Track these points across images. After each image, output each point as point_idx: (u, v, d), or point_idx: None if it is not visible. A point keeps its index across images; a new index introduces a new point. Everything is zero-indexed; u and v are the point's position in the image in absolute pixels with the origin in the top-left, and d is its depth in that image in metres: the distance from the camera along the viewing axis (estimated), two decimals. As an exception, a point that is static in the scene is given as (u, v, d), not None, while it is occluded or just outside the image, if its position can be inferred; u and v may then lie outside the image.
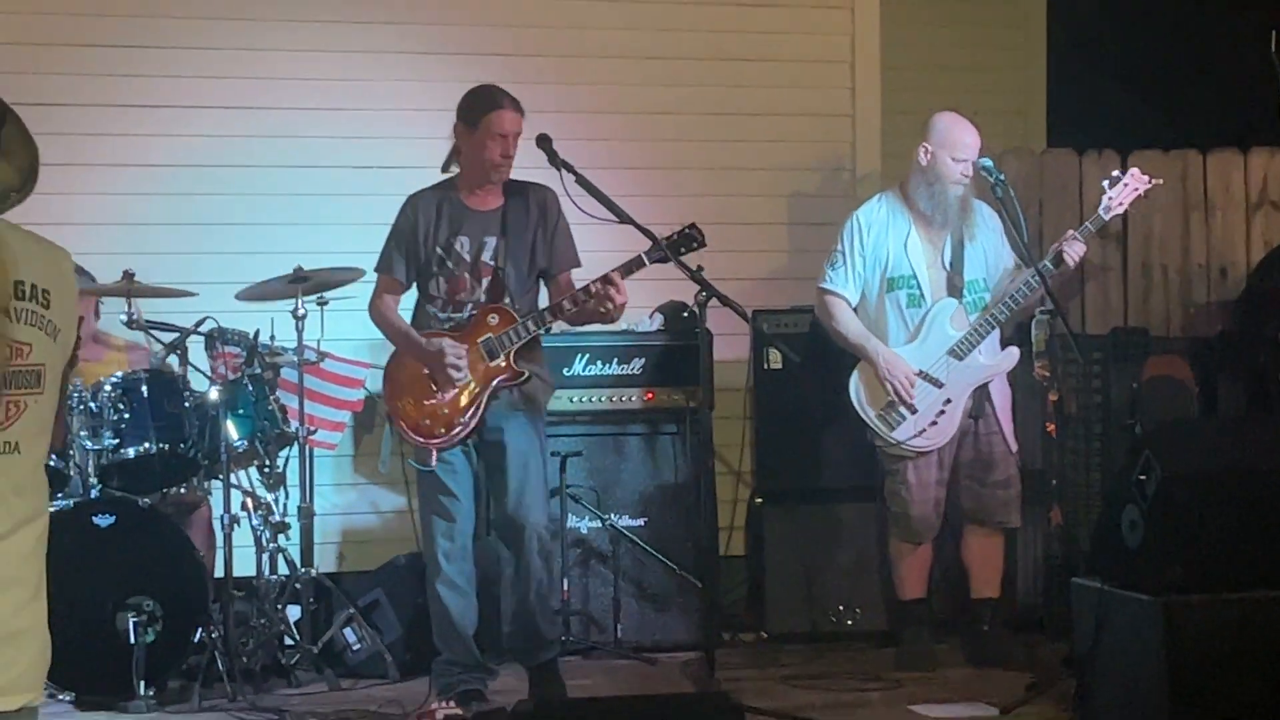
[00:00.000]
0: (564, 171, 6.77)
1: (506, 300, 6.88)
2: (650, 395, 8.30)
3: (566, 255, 6.99)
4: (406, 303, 7.12)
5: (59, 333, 3.41)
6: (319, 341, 7.92)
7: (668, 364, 8.29)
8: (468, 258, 6.91)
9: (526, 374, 6.85)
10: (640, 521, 8.23)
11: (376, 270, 7.06)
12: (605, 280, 6.69)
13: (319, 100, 8.58)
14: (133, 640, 6.94)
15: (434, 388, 6.83)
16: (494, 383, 6.83)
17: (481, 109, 6.88)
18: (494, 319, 6.85)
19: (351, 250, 8.04)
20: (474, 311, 6.88)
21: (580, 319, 6.95)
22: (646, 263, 6.74)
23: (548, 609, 7.10)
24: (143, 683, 6.93)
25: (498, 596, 7.22)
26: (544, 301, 7.05)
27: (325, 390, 8.19)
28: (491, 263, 6.90)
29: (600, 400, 8.20)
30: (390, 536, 8.60)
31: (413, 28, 8.74)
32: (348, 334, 8.20)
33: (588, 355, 8.21)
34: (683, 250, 6.77)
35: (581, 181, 6.77)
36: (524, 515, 6.87)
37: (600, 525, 8.12)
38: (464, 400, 6.82)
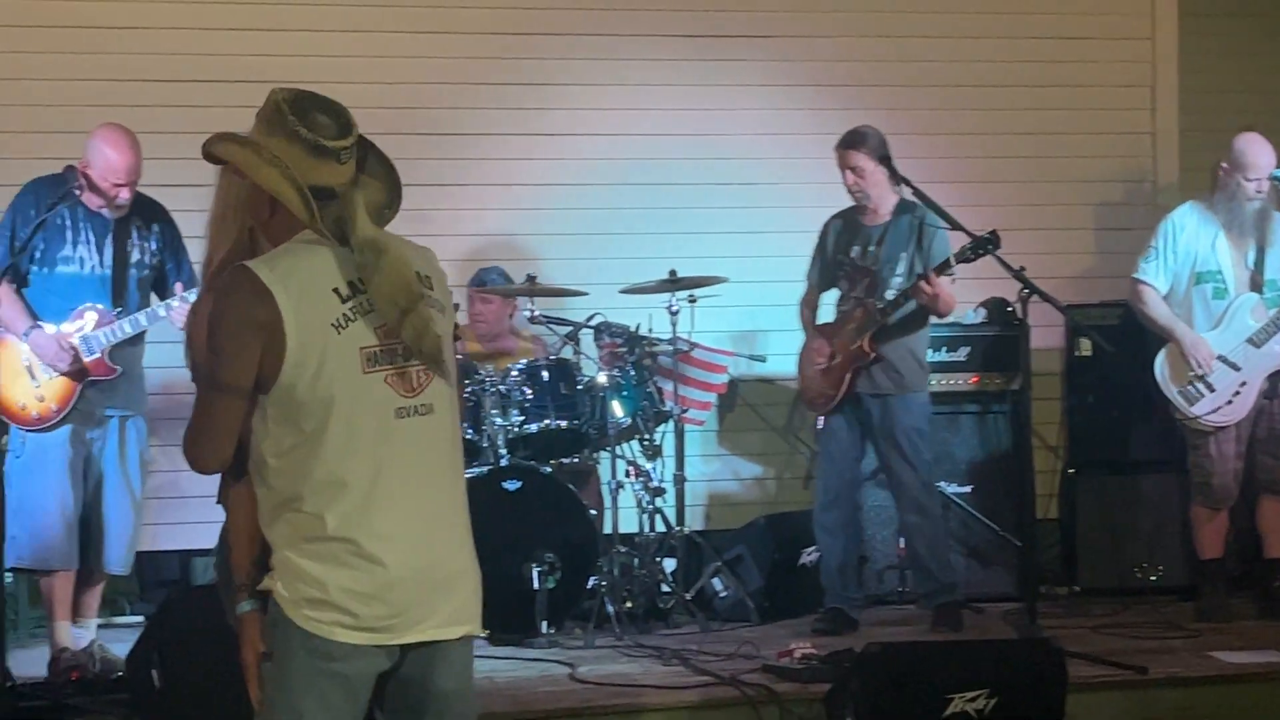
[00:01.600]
0: (903, 185, 7.05)
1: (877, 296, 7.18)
2: (975, 379, 8.22)
3: (938, 261, 7.08)
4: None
5: (445, 309, 3.49)
6: (689, 333, 7.92)
7: (992, 351, 8.22)
8: (858, 262, 7.23)
9: (874, 355, 7.11)
10: (968, 488, 8.15)
11: (806, 277, 7.49)
12: (922, 278, 6.96)
13: (689, 127, 8.61)
14: (536, 587, 7.04)
15: (819, 366, 7.28)
16: (855, 363, 7.15)
17: (837, 146, 7.19)
18: (859, 312, 7.20)
19: (717, 255, 8.17)
20: (851, 306, 7.25)
21: (932, 305, 7.08)
22: (953, 264, 6.93)
23: (937, 557, 7.25)
24: (544, 623, 7.01)
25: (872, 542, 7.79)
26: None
27: (695, 375, 8.22)
28: (870, 266, 7.18)
29: (934, 383, 8.10)
30: (750, 500, 8.64)
31: (767, 64, 8.71)
32: (714, 327, 8.24)
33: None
34: (981, 252, 6.85)
35: (918, 194, 6.99)
36: (898, 475, 7.20)
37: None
38: (834, 378, 7.20)
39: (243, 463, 3.44)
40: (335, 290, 3.35)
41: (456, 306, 5.00)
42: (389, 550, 3.33)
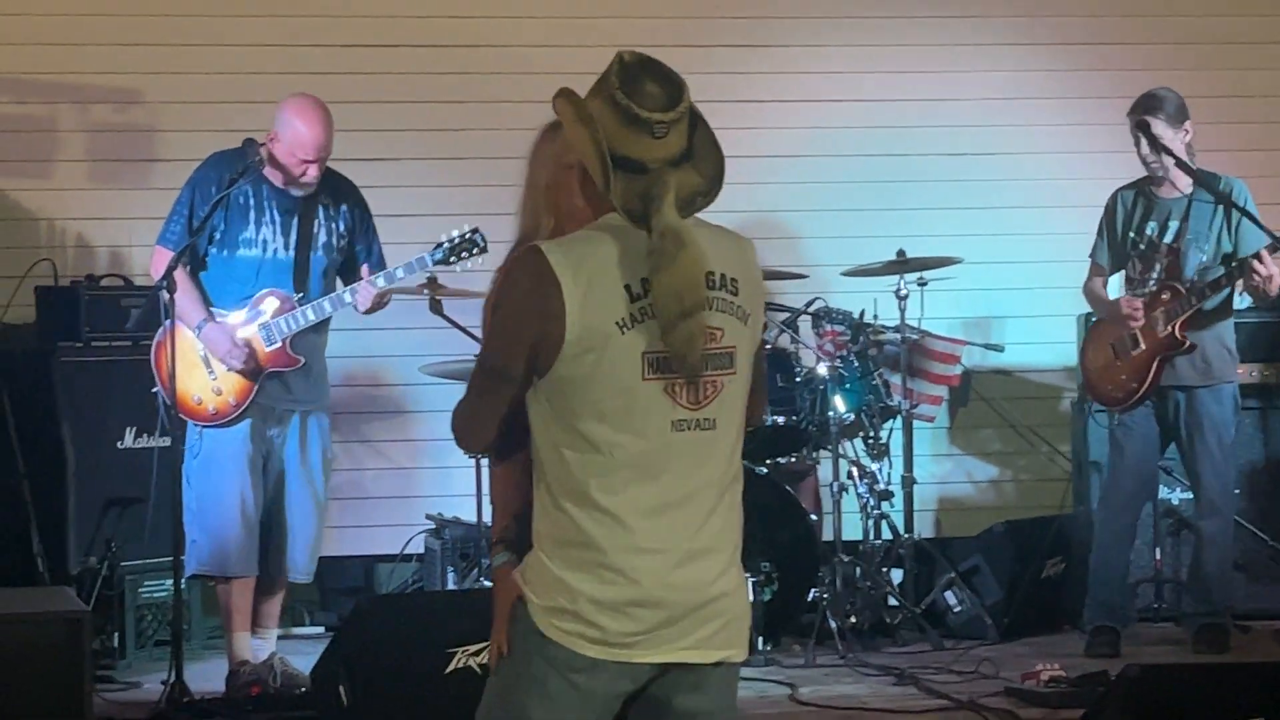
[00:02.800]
0: (1163, 155, 6.97)
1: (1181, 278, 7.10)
2: (1241, 371, 7.93)
3: (1250, 241, 7.02)
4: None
5: (748, 316, 3.42)
6: (919, 320, 7.88)
7: (1258, 342, 7.97)
8: (1154, 240, 7.10)
9: (1190, 343, 7.01)
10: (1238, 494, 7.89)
11: (1089, 257, 7.33)
12: (1255, 257, 6.84)
13: (917, 92, 8.55)
14: (751, 599, 6.99)
15: (1115, 357, 7.17)
16: (1163, 351, 7.04)
17: (1131, 112, 7.09)
18: (1166, 295, 7.07)
19: (950, 234, 8.10)
20: (1153, 288, 7.11)
21: (1256, 290, 6.99)
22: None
23: (1224, 573, 7.18)
24: (760, 639, 6.98)
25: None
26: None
27: (925, 366, 8.16)
28: (1172, 244, 7.08)
29: (1251, 375, 7.89)
30: (985, 504, 8.58)
31: (1004, 20, 8.63)
32: (946, 313, 8.17)
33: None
34: None
35: (1180, 164, 6.98)
36: (1202, 476, 7.11)
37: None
38: (1137, 367, 7.10)
39: (509, 445, 3.51)
40: (627, 287, 3.33)
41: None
42: (646, 566, 3.34)
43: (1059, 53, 8.53)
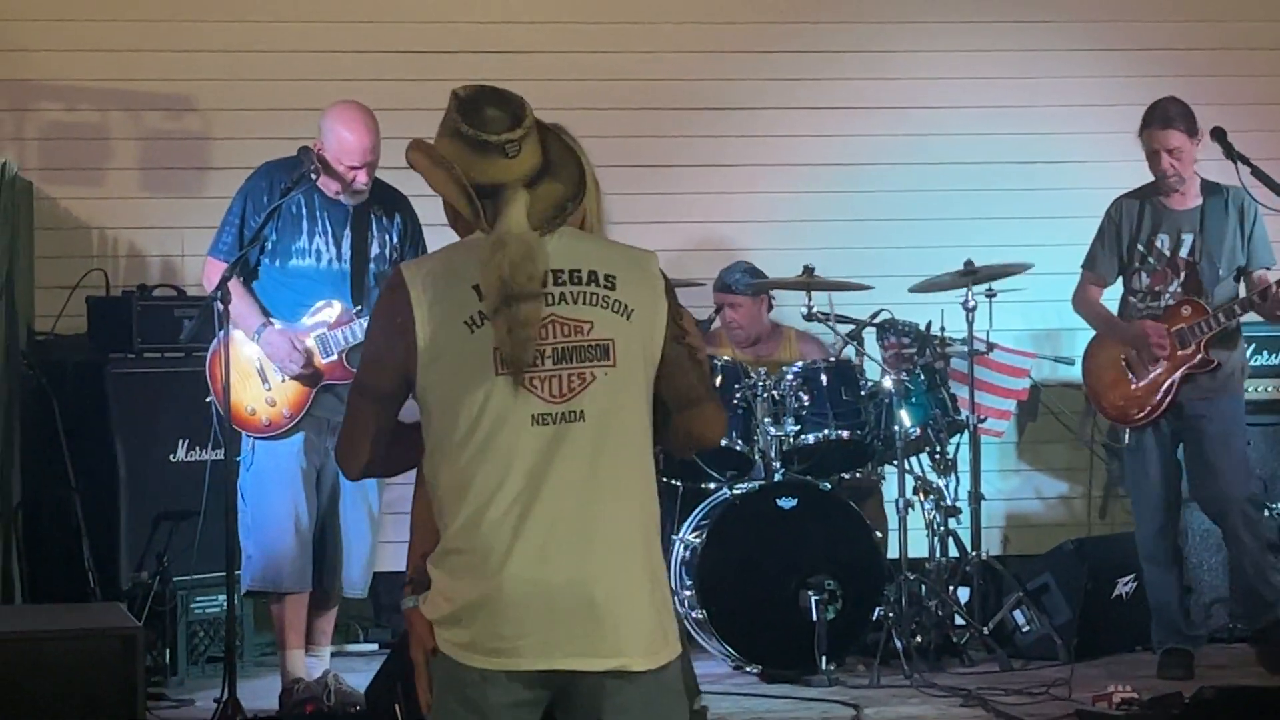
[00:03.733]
0: (1239, 164, 6.87)
1: (1202, 293, 7.02)
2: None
3: (1262, 255, 7.09)
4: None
5: (632, 312, 3.46)
6: (987, 332, 7.85)
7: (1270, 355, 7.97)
8: (1167, 253, 7.03)
9: (1216, 361, 7.00)
10: (1296, 512, 7.88)
11: (1082, 267, 7.31)
12: None
13: (984, 98, 8.57)
14: (814, 617, 7.00)
15: (1129, 373, 7.11)
16: (1183, 369, 7.01)
17: (1141, 125, 7.09)
18: (1187, 310, 7.04)
19: (1019, 244, 8.08)
20: (1170, 303, 7.04)
21: (1270, 313, 6.98)
22: None
23: (1264, 573, 7.08)
24: (824, 658, 6.97)
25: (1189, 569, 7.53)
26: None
27: (993, 380, 8.15)
28: (1188, 258, 7.04)
29: (1268, 390, 7.87)
30: (1053, 521, 8.58)
31: (1076, 25, 8.63)
32: (1015, 325, 8.16)
33: (1254, 345, 7.85)
34: None
35: (1257, 173, 6.86)
36: (1226, 492, 7.02)
37: (1269, 515, 7.77)
38: (1156, 384, 7.04)
39: (389, 468, 3.66)
40: (475, 287, 3.41)
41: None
42: (510, 563, 3.36)
43: (1132, 59, 8.52)
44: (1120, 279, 7.27)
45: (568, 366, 3.41)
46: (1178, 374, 7.02)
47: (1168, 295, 7.09)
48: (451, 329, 3.40)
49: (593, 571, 3.38)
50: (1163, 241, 7.10)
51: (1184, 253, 7.07)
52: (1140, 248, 7.13)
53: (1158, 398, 7.05)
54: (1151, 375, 7.06)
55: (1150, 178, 7.16)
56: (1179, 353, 7.01)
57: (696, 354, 3.54)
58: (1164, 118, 7.01)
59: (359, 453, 3.55)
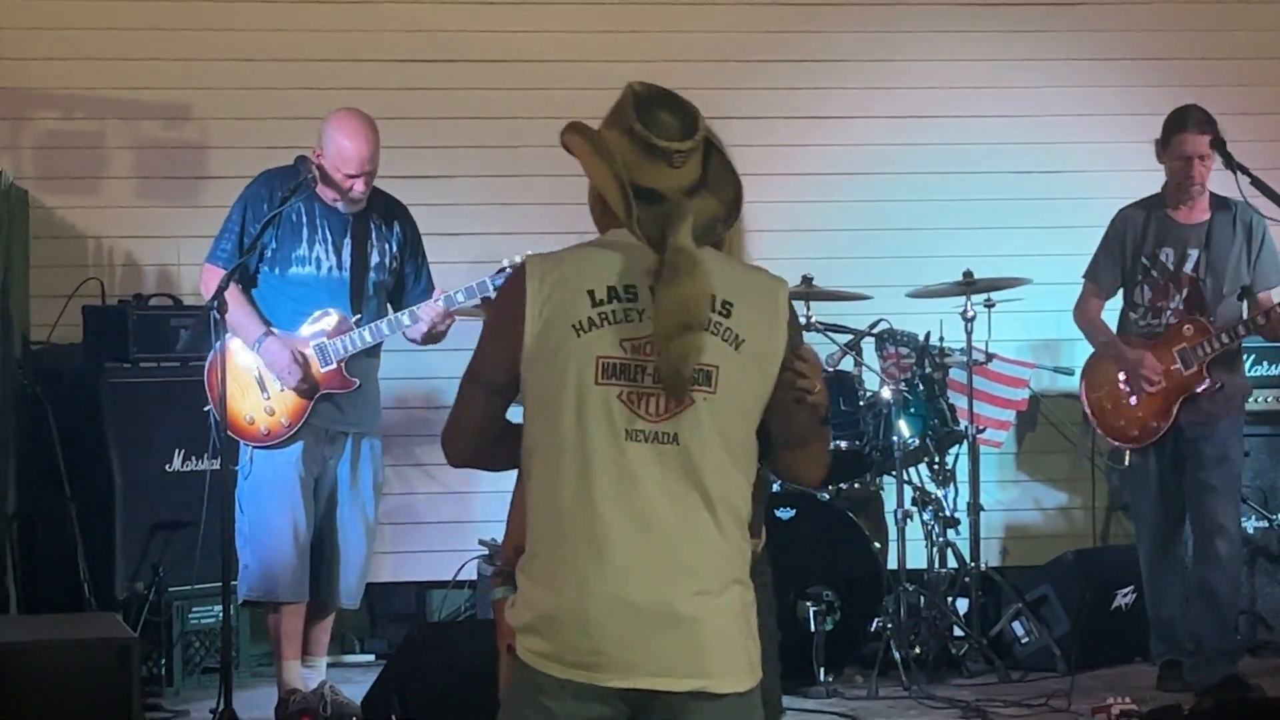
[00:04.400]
0: (1238, 174, 6.74)
1: (1205, 310, 6.95)
2: (1313, 396, 7.96)
3: (1268, 275, 6.99)
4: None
5: (741, 343, 3.41)
6: (986, 342, 7.87)
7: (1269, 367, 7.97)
8: (1170, 268, 6.96)
9: (1219, 384, 6.88)
10: (1298, 527, 7.88)
11: (1084, 276, 7.20)
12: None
13: (985, 108, 8.56)
14: (813, 628, 7.01)
15: (1129, 393, 7.00)
16: (1185, 392, 6.90)
17: (1170, 130, 6.95)
18: (1189, 330, 6.94)
19: (1018, 254, 8.08)
20: (1172, 320, 6.95)
21: (1274, 333, 6.91)
22: None
23: (1233, 605, 7.07)
24: (822, 669, 6.98)
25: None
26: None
27: (992, 390, 8.15)
28: (1191, 274, 6.95)
29: (1268, 400, 7.88)
30: (1053, 532, 8.57)
31: (1075, 35, 8.63)
32: (1014, 335, 8.17)
33: (1253, 356, 7.86)
34: None
35: (1257, 183, 6.73)
36: (1217, 513, 6.89)
37: (1268, 525, 7.80)
38: (1157, 406, 6.90)
39: (497, 461, 3.60)
40: (590, 292, 3.39)
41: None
42: (589, 578, 3.34)
43: (1130, 69, 8.53)
44: (1121, 292, 7.18)
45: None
46: (1180, 398, 6.91)
47: (1169, 312, 6.99)
48: (560, 330, 3.37)
49: (678, 592, 3.35)
50: (1167, 255, 6.99)
51: (1188, 268, 6.96)
52: (1144, 260, 7.02)
53: (1156, 423, 6.96)
54: (1151, 395, 6.95)
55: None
56: (1183, 374, 6.90)
57: (808, 396, 3.47)
58: (1198, 122, 6.87)
59: (464, 442, 3.55)
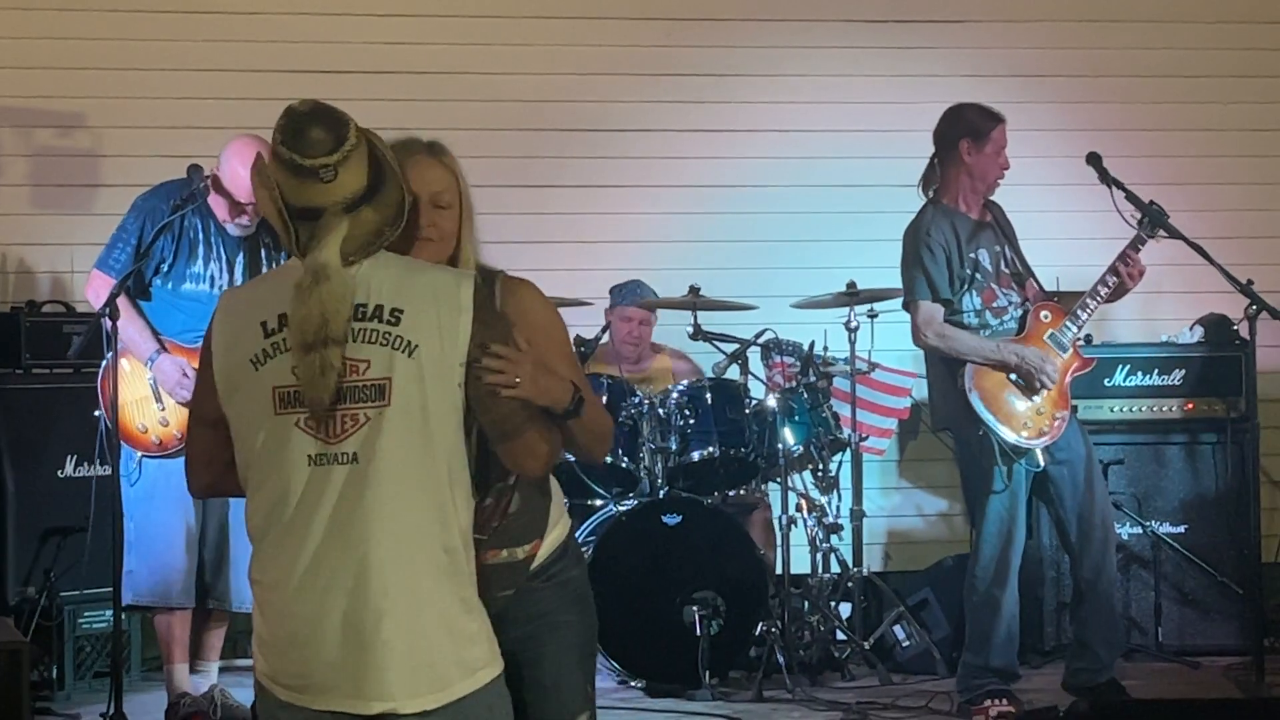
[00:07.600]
0: (1113, 188, 6.72)
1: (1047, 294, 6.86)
2: (1190, 405, 8.04)
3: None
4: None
5: (414, 348, 3.38)
6: (869, 352, 7.91)
7: (1209, 375, 8.04)
8: (990, 267, 6.74)
9: (1092, 360, 6.85)
10: (1181, 528, 7.96)
11: (914, 300, 6.72)
12: (1123, 260, 6.62)
13: (869, 123, 8.61)
14: (697, 632, 7.03)
15: (1024, 391, 6.58)
16: (1070, 374, 6.71)
17: (985, 124, 6.79)
18: (1047, 315, 6.71)
19: (900, 265, 8.07)
20: (1019, 314, 6.72)
21: (1122, 289, 6.71)
22: (1145, 238, 6.64)
23: (1117, 605, 7.08)
24: (707, 673, 7.00)
25: (1039, 599, 7.33)
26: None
27: (875, 399, 8.21)
28: (1008, 269, 6.80)
29: (1140, 410, 8.00)
30: (933, 538, 8.64)
31: (960, 52, 8.73)
32: (896, 345, 8.12)
33: (1128, 366, 8.00)
34: (1157, 229, 6.64)
35: (1131, 198, 6.75)
36: (1105, 513, 6.83)
37: (1141, 532, 7.91)
38: (1055, 398, 6.63)
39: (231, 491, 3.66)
40: (263, 323, 3.42)
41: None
42: (291, 602, 3.40)
43: (1010, 85, 8.43)
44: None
45: (342, 408, 3.36)
46: (1068, 379, 6.67)
47: (1013, 308, 6.70)
48: (241, 365, 3.42)
49: (366, 615, 3.36)
50: (984, 256, 6.70)
51: (1004, 265, 6.74)
52: (966, 268, 6.67)
53: (1063, 410, 6.62)
54: (1050, 390, 6.56)
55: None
56: (1063, 359, 6.64)
57: (505, 389, 3.39)
58: (998, 114, 6.77)
59: (194, 474, 3.65)
